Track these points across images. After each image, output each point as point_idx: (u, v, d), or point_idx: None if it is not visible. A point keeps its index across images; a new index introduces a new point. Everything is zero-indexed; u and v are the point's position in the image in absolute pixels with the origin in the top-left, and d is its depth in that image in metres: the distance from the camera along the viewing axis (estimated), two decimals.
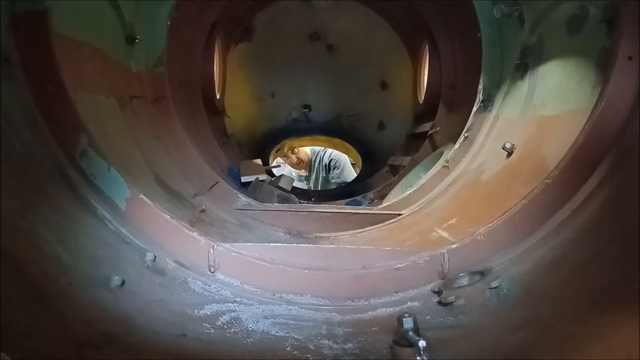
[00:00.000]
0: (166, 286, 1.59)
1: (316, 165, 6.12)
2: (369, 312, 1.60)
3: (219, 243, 1.74)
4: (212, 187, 2.75)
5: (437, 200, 2.56)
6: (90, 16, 2.02)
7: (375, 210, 2.83)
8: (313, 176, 6.15)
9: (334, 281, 1.72)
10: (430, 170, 2.95)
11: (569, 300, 1.28)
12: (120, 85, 2.29)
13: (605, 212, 1.47)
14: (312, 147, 6.19)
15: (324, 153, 6.13)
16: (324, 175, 6.08)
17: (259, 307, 1.57)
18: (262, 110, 5.39)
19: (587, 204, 1.57)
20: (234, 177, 3.70)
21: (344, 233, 2.50)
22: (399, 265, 1.71)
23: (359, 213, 2.74)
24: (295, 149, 5.96)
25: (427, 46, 4.38)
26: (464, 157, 2.61)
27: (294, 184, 5.71)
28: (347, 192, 4.69)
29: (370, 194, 4.13)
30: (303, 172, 6.31)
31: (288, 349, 1.29)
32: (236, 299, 1.61)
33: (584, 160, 1.62)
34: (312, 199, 4.18)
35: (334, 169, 6.01)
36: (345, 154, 6.11)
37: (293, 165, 6.15)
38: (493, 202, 2.03)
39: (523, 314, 1.35)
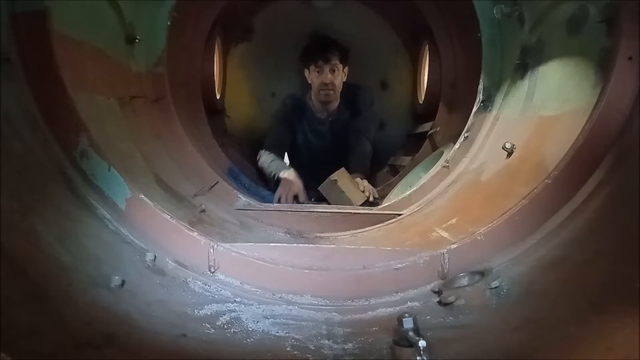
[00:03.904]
0: (166, 286, 1.59)
1: None
2: (369, 312, 1.60)
3: (219, 243, 1.74)
4: (212, 187, 2.75)
5: (437, 200, 2.56)
6: (90, 16, 2.02)
7: (375, 210, 2.83)
8: None
9: (334, 281, 1.72)
10: (430, 170, 2.95)
11: (569, 300, 1.28)
12: (120, 85, 2.29)
13: (605, 212, 1.48)
14: None
15: None
16: None
17: (259, 307, 1.57)
18: (262, 110, 5.38)
19: (587, 204, 1.57)
20: (234, 177, 3.70)
21: (344, 233, 2.50)
22: (399, 265, 1.71)
23: (359, 213, 2.74)
24: None
25: (427, 46, 4.38)
26: (464, 157, 2.61)
27: None
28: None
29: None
30: None
31: (288, 349, 1.29)
32: (236, 299, 1.61)
33: (584, 160, 1.62)
34: (312, 199, 4.17)
35: None
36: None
37: None
38: (493, 202, 2.03)
39: (523, 314, 1.35)
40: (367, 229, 2.51)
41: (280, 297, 1.66)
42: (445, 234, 2.07)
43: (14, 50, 1.58)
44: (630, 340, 0.95)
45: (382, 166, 4.91)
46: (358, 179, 3.59)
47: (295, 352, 1.27)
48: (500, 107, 2.51)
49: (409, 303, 1.62)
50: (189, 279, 1.66)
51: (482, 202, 2.17)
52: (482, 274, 1.63)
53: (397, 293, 1.68)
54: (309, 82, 4.34)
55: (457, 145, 2.70)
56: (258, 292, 1.67)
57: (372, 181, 4.74)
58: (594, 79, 1.76)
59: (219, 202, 2.64)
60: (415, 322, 1.18)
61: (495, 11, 2.42)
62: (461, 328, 1.39)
